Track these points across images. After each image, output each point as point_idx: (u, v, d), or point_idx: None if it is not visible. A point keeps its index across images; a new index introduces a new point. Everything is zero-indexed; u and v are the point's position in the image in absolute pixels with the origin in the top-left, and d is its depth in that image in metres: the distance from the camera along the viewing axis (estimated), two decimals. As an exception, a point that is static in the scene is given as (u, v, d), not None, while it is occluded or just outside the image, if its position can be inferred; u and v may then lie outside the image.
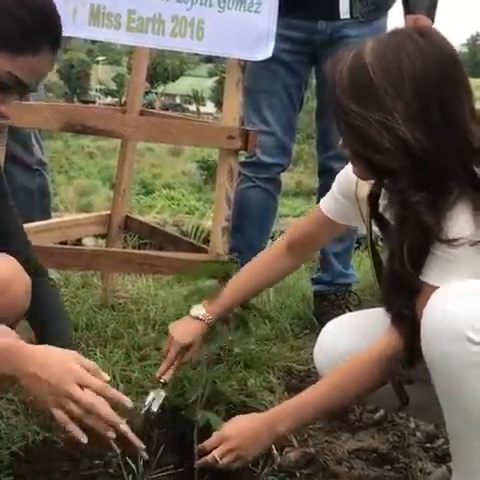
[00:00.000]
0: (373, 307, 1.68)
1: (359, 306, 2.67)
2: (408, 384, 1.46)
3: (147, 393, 1.80)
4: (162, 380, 1.78)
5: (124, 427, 1.35)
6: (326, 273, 2.83)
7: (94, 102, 37.62)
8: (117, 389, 1.93)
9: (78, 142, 28.69)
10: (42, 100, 2.61)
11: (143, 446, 1.44)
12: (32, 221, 2.45)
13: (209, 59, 52.61)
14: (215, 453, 1.51)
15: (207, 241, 2.68)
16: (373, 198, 1.51)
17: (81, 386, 1.31)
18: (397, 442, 1.96)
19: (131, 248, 3.48)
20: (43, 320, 1.63)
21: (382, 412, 2.05)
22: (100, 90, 54.14)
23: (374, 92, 1.31)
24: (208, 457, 1.52)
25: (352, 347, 1.58)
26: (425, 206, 1.31)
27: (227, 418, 1.74)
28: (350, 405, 1.97)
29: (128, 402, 1.38)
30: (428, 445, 1.96)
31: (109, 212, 2.86)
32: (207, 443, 1.55)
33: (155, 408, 1.72)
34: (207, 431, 1.64)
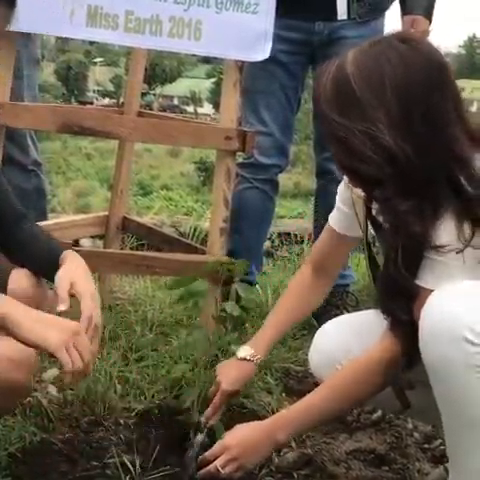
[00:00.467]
0: (371, 308, 1.68)
1: (357, 306, 2.67)
2: (409, 389, 1.46)
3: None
4: (209, 425, 1.74)
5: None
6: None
7: (92, 103, 37.54)
8: (115, 390, 1.95)
9: (76, 143, 28.66)
10: (37, 101, 2.61)
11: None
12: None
13: (207, 60, 52.58)
14: (217, 463, 1.51)
15: (205, 242, 2.67)
16: (368, 200, 1.51)
17: None
18: (395, 443, 1.96)
19: (129, 249, 3.48)
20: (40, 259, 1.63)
21: (380, 413, 2.05)
22: (98, 91, 54.02)
23: (357, 102, 1.30)
24: (210, 467, 1.52)
25: (348, 348, 1.58)
26: (413, 215, 1.31)
27: (226, 419, 1.75)
28: (350, 410, 1.98)
29: None
30: (426, 446, 1.96)
31: (107, 213, 2.86)
32: (209, 453, 1.55)
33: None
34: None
